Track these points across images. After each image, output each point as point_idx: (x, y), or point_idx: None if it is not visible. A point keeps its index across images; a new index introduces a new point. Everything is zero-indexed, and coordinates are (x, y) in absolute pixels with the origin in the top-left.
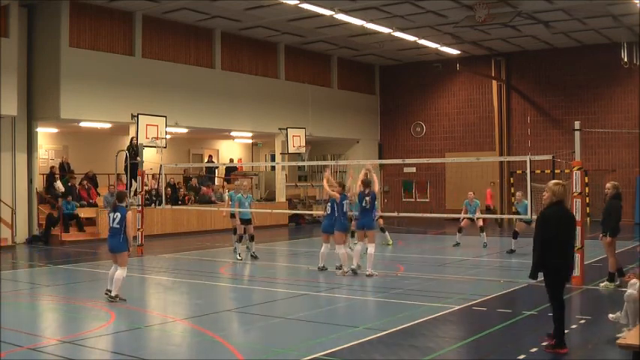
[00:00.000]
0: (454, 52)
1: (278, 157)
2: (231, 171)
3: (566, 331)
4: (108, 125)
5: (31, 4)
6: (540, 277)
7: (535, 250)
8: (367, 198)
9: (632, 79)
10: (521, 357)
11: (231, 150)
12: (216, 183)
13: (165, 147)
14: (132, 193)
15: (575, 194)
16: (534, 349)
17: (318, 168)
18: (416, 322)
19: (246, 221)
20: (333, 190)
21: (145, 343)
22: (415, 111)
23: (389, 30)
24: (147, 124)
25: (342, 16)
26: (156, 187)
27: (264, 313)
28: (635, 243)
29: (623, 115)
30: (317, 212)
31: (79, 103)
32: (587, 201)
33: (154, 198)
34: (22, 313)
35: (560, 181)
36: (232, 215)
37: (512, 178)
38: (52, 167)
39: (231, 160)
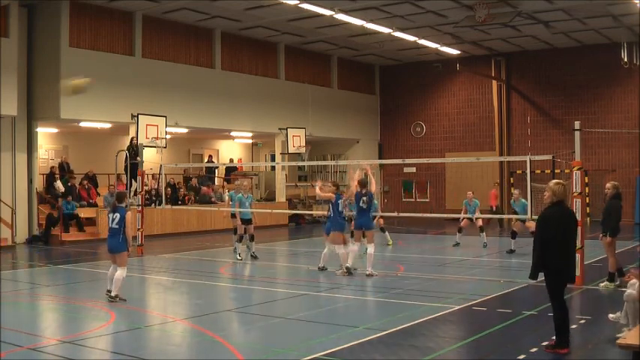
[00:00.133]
0: (454, 52)
1: (278, 157)
2: (231, 171)
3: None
4: (108, 125)
5: (31, 4)
6: (541, 277)
7: (535, 251)
8: (364, 198)
9: (632, 79)
10: (521, 357)
11: (231, 150)
12: (216, 183)
13: (165, 147)
14: (132, 193)
15: (575, 194)
16: (534, 349)
17: (318, 168)
18: (416, 322)
19: (246, 221)
20: (326, 192)
21: (145, 343)
22: (415, 111)
23: (389, 30)
24: (147, 124)
25: (342, 16)
26: (156, 187)
27: (264, 313)
28: (635, 243)
29: (623, 115)
30: (317, 212)
31: (79, 103)
32: (587, 201)
33: (154, 198)
34: (22, 313)
35: (561, 181)
36: (233, 215)
37: (512, 178)
38: (52, 167)
39: (231, 160)
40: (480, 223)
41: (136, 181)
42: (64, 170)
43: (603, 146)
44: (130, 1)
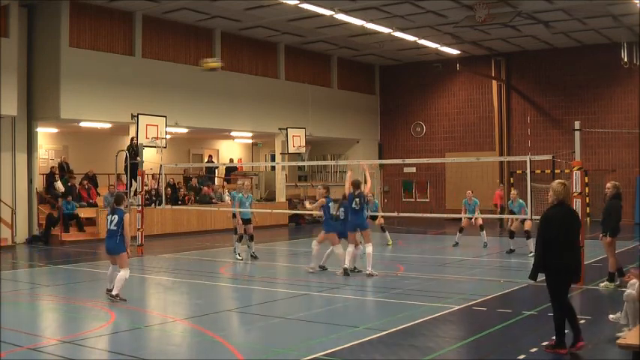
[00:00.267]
0: (454, 52)
1: (278, 157)
2: (231, 171)
3: (566, 331)
4: (108, 125)
5: (31, 4)
6: (542, 277)
7: (536, 251)
8: (357, 199)
9: (632, 79)
10: (521, 357)
11: (231, 150)
12: (216, 183)
13: (165, 147)
14: (132, 193)
15: (575, 194)
16: (534, 349)
17: (318, 168)
18: (416, 322)
19: (246, 221)
20: (317, 200)
21: (145, 343)
22: (415, 111)
23: (389, 30)
24: (147, 124)
25: (342, 16)
26: (156, 187)
27: (264, 313)
28: (635, 243)
29: (623, 115)
30: (317, 212)
31: (79, 103)
32: (587, 201)
33: (154, 198)
34: (22, 313)
35: (563, 181)
36: (234, 215)
37: (512, 178)
38: (52, 167)
39: (231, 160)
40: (479, 222)
41: (136, 181)
42: (64, 170)
43: (603, 146)
44: (130, 1)
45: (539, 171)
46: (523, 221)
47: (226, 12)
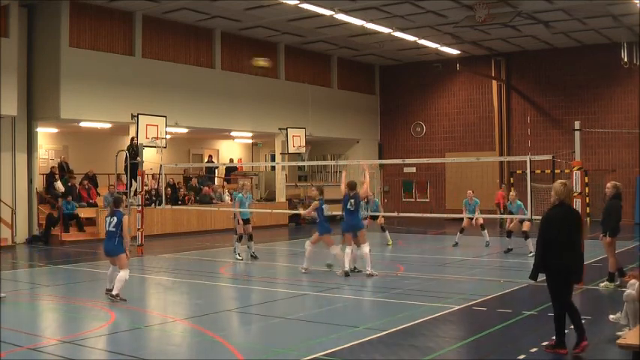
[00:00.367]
0: (454, 52)
1: (278, 157)
2: (231, 171)
3: (566, 331)
4: (108, 125)
5: (31, 4)
6: (542, 277)
7: (537, 251)
8: (352, 200)
9: (632, 79)
10: (521, 357)
11: (231, 150)
12: (216, 183)
13: (165, 147)
14: (132, 193)
15: (575, 194)
16: (534, 349)
17: (318, 168)
18: (416, 322)
19: (246, 221)
20: (312, 200)
21: (145, 343)
22: (415, 111)
23: (389, 30)
24: (147, 124)
25: (342, 16)
26: (156, 187)
27: (264, 313)
28: (635, 243)
29: (623, 115)
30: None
31: (79, 103)
32: (587, 201)
33: (154, 198)
34: (22, 313)
35: (565, 181)
36: (234, 216)
37: (512, 178)
38: (52, 167)
39: (231, 160)
40: (480, 222)
41: (136, 181)
42: (64, 170)
43: (603, 146)
44: (130, 1)
45: (539, 171)
46: (522, 222)
47: (226, 12)
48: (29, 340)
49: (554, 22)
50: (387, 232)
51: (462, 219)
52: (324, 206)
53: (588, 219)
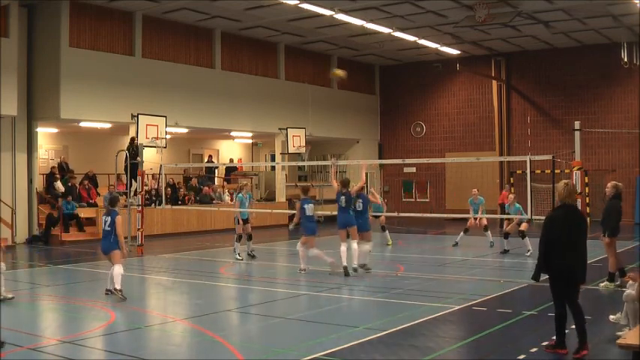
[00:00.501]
0: (454, 52)
1: (278, 157)
2: (231, 171)
3: (566, 331)
4: (108, 125)
5: (31, 4)
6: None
7: (539, 251)
8: (343, 197)
9: (632, 79)
10: (521, 357)
11: (231, 150)
12: (216, 183)
13: (165, 147)
14: (132, 193)
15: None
16: (534, 349)
17: (318, 168)
18: (416, 322)
19: (245, 221)
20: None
21: (145, 343)
22: (415, 111)
23: (389, 30)
24: (147, 124)
25: (342, 16)
26: (156, 187)
27: (264, 313)
28: (635, 243)
29: (623, 115)
30: (316, 212)
31: (79, 103)
32: (587, 201)
33: (154, 198)
34: (22, 313)
35: (567, 181)
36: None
37: (512, 178)
38: (53, 167)
39: (231, 160)
40: (484, 222)
41: (136, 181)
42: (64, 170)
43: (603, 146)
44: (130, 1)
45: (539, 171)
46: (519, 223)
47: (226, 12)
48: (29, 340)
49: (554, 22)
50: (387, 231)
51: (465, 219)
52: (305, 206)
53: (588, 219)
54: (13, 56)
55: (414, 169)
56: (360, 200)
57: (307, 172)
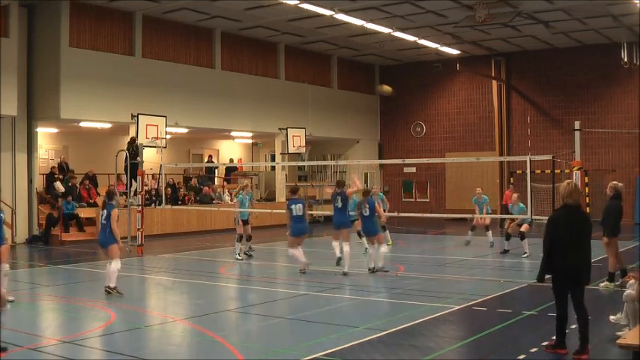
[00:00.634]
0: (454, 52)
1: (278, 157)
2: (231, 171)
3: (567, 331)
4: (108, 125)
5: (31, 4)
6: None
7: (543, 252)
8: (339, 197)
9: (632, 79)
10: (521, 357)
11: (231, 150)
12: (216, 183)
13: (165, 147)
14: (132, 193)
15: None
16: (534, 349)
17: (318, 168)
18: (416, 322)
19: (245, 221)
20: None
21: (145, 343)
22: (415, 111)
23: (389, 30)
24: (147, 124)
25: (342, 16)
26: (156, 187)
27: (264, 313)
28: (635, 243)
29: (623, 115)
30: (316, 212)
31: (79, 103)
32: (587, 201)
33: (154, 198)
34: (22, 313)
35: (569, 181)
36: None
37: (512, 178)
38: (53, 167)
39: (231, 160)
40: (486, 222)
41: (136, 181)
42: (64, 170)
43: (603, 146)
44: (130, 1)
45: (539, 171)
46: (520, 224)
47: (226, 12)
48: (29, 340)
49: (554, 22)
50: (387, 231)
51: (465, 219)
52: (292, 207)
53: None
54: (13, 56)
55: (414, 169)
56: (367, 205)
57: (307, 172)
